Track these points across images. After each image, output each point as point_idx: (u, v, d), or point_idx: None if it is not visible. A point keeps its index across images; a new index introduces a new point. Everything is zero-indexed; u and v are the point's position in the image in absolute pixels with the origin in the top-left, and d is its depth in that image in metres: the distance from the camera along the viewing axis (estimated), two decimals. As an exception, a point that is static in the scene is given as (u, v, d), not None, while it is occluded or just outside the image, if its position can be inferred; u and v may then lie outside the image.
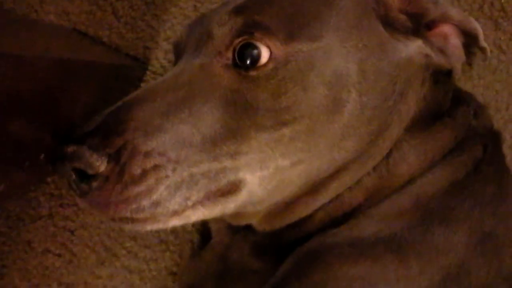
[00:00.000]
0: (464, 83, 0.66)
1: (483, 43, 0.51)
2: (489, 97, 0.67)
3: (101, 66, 0.61)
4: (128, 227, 0.44)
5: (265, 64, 0.44)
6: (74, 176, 0.42)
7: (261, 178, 0.45)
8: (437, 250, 0.46)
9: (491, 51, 0.66)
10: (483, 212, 0.48)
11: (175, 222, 0.44)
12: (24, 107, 0.52)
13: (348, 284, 0.44)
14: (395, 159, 0.49)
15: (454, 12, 0.50)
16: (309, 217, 0.50)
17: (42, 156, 0.55)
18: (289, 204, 0.50)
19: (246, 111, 0.44)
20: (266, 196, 0.47)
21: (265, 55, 0.43)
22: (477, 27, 0.50)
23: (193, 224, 0.67)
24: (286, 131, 0.44)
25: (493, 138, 0.55)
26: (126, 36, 0.66)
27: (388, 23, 0.49)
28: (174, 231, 0.68)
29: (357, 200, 0.49)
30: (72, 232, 0.68)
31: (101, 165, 0.41)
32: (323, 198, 0.49)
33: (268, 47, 0.43)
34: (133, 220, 0.43)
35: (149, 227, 0.44)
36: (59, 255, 0.68)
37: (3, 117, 0.50)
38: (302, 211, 0.50)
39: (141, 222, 0.43)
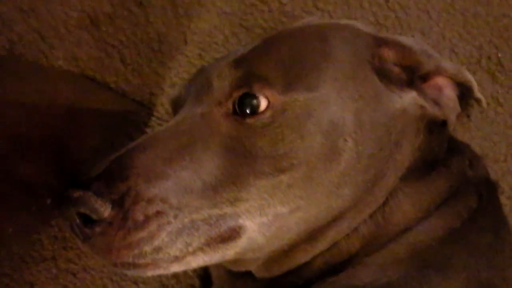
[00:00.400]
0: (462, 135, 0.67)
1: (478, 94, 0.53)
2: (487, 149, 0.68)
3: (108, 113, 0.63)
4: (129, 272, 0.46)
5: (263, 112, 0.45)
6: (78, 221, 0.43)
7: (260, 225, 0.46)
8: None
9: (488, 104, 0.68)
10: (480, 262, 0.49)
11: (176, 268, 0.45)
12: (33, 152, 0.54)
13: None
14: (391, 207, 0.50)
15: (448, 65, 0.52)
16: (308, 264, 0.51)
17: (49, 200, 0.56)
18: (287, 252, 0.50)
19: (245, 158, 0.45)
20: (265, 243, 0.48)
21: (263, 104, 0.45)
22: (471, 79, 0.52)
23: (194, 270, 0.68)
24: (284, 178, 0.45)
25: (489, 188, 0.56)
26: (132, 82, 0.68)
27: (383, 75, 0.50)
28: (175, 275, 0.68)
29: (355, 248, 0.50)
30: (74, 275, 0.68)
31: (105, 210, 0.42)
32: (321, 245, 0.50)
33: (266, 97, 0.45)
34: (134, 266, 0.44)
35: (150, 272, 0.45)
36: (62, 297, 0.68)
37: (14, 162, 0.51)
38: (300, 258, 0.51)
39: (142, 267, 0.44)
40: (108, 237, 0.43)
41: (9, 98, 0.50)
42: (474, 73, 0.63)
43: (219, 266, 0.58)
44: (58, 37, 0.66)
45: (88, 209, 0.42)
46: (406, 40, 0.52)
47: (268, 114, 0.45)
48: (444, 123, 0.54)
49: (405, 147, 0.51)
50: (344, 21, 0.57)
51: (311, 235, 0.49)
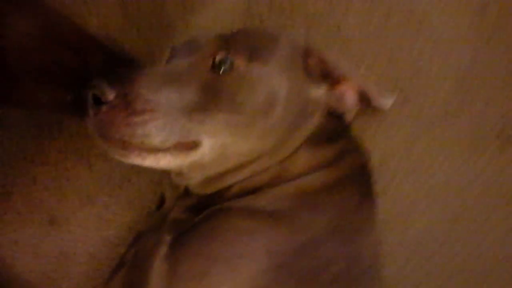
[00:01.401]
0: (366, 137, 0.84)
1: (377, 103, 0.72)
2: (378, 150, 0.87)
3: (109, 50, 0.79)
4: (117, 153, 0.58)
5: (232, 72, 0.63)
6: (91, 100, 0.57)
7: (211, 146, 0.62)
8: (303, 226, 0.61)
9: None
10: (343, 213, 0.64)
11: (150, 161, 0.59)
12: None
13: (236, 231, 0.60)
14: (294, 158, 0.68)
15: (354, 76, 0.71)
16: (229, 188, 0.67)
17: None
18: (220, 175, 0.67)
19: (214, 96, 0.61)
20: (209, 163, 0.64)
21: (233, 66, 0.63)
22: (372, 90, 0.71)
23: (152, 199, 0.87)
24: (235, 116, 0.62)
25: (364, 167, 0.73)
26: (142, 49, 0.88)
27: (307, 71, 0.69)
28: (139, 196, 0.88)
29: (264, 181, 0.66)
30: (68, 180, 0.88)
31: (111, 94, 0.56)
32: (243, 174, 0.67)
33: (236, 62, 0.63)
34: (124, 145, 0.57)
35: (132, 158, 0.58)
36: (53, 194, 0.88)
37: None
38: (227, 182, 0.67)
39: (129, 150, 0.58)
40: (112, 114, 0.56)
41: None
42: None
43: (171, 192, 0.76)
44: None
45: (99, 91, 0.56)
46: (328, 54, 0.71)
47: (235, 74, 0.63)
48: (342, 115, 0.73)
49: (312, 121, 0.70)
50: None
51: (239, 166, 0.66)
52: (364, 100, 0.74)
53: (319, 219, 0.62)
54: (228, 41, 0.65)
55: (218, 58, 0.63)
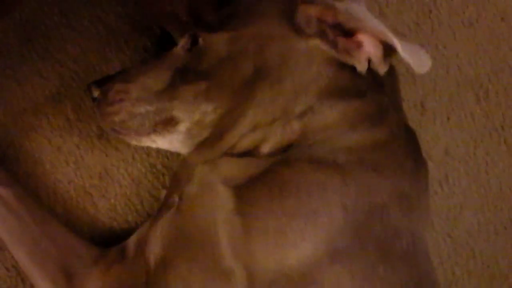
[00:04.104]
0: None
1: (402, 54, 0.55)
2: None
3: None
4: (113, 134, 0.71)
5: (196, 47, 0.66)
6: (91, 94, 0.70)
7: (189, 117, 0.65)
8: (369, 188, 0.58)
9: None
10: (404, 177, 0.61)
11: (137, 141, 0.70)
12: None
13: (307, 185, 0.57)
14: (314, 113, 0.62)
15: (371, 25, 0.58)
16: (258, 147, 0.64)
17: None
18: (215, 137, 0.65)
19: (184, 73, 0.66)
20: (197, 131, 0.66)
21: (197, 41, 0.66)
22: (393, 39, 0.55)
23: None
24: (203, 84, 0.64)
25: (409, 128, 0.67)
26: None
27: (300, 24, 0.62)
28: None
29: (292, 138, 0.62)
30: None
31: (94, 93, 0.69)
32: (243, 127, 0.63)
33: (199, 36, 0.66)
34: (114, 130, 0.69)
35: (123, 137, 0.70)
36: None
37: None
38: (229, 141, 0.64)
39: (122, 134, 0.69)
40: (97, 107, 0.68)
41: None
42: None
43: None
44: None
45: (89, 91, 0.69)
46: (337, 3, 0.61)
47: (199, 47, 0.66)
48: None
49: (313, 73, 0.62)
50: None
51: (233, 121, 0.64)
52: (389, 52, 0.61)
53: (383, 182, 0.59)
54: (197, 17, 0.71)
55: (186, 37, 0.68)
